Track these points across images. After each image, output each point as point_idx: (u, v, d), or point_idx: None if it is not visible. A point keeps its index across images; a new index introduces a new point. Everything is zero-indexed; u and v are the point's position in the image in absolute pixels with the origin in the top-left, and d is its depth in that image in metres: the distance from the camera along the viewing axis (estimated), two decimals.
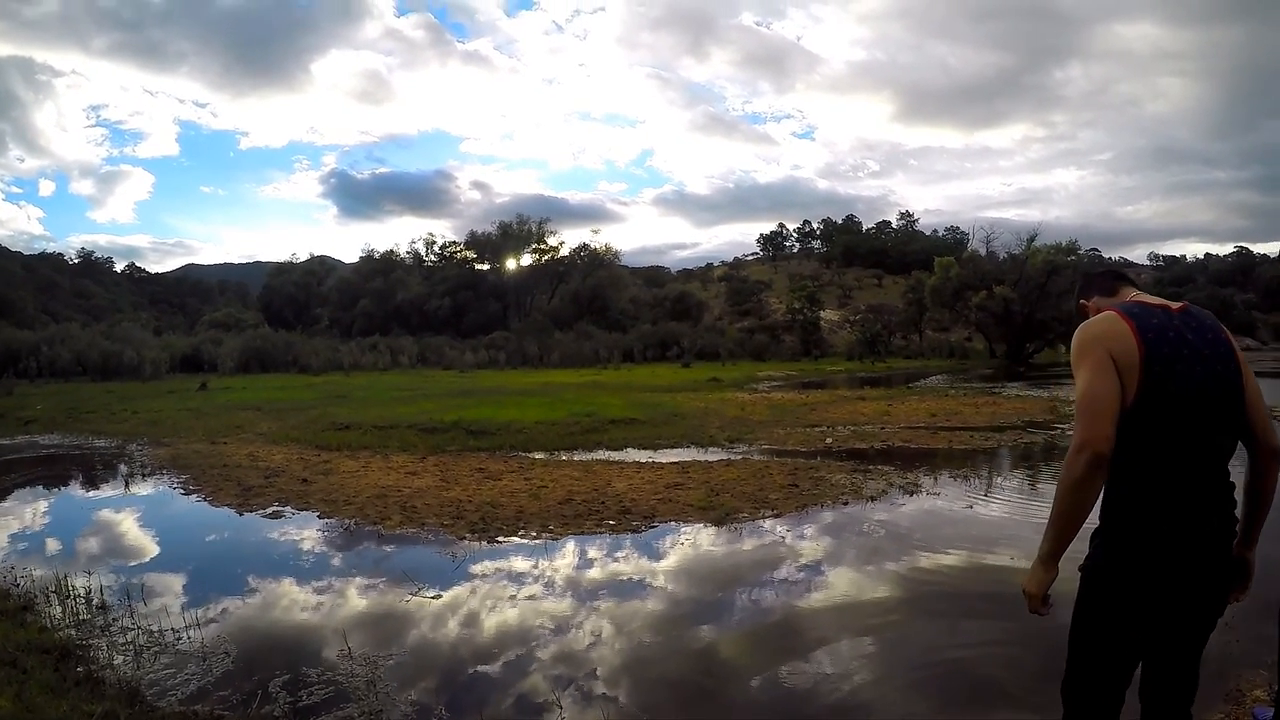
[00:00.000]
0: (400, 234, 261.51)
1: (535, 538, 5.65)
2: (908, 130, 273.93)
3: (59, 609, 4.13)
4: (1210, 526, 1.68)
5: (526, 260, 57.46)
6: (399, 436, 10.80)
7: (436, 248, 59.93)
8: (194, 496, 7.35)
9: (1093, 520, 1.73)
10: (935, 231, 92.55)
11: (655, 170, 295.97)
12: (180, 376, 26.16)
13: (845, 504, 6.65)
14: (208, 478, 8.14)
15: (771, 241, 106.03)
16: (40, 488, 8.19)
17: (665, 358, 39.50)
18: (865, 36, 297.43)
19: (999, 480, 7.97)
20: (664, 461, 8.90)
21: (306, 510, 6.61)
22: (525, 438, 10.78)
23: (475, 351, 36.55)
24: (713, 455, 9.53)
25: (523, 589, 4.55)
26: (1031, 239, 45.74)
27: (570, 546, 5.46)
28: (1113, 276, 1.95)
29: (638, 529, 5.86)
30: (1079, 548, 1.73)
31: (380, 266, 55.74)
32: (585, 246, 57.65)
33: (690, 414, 13.98)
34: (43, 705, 2.84)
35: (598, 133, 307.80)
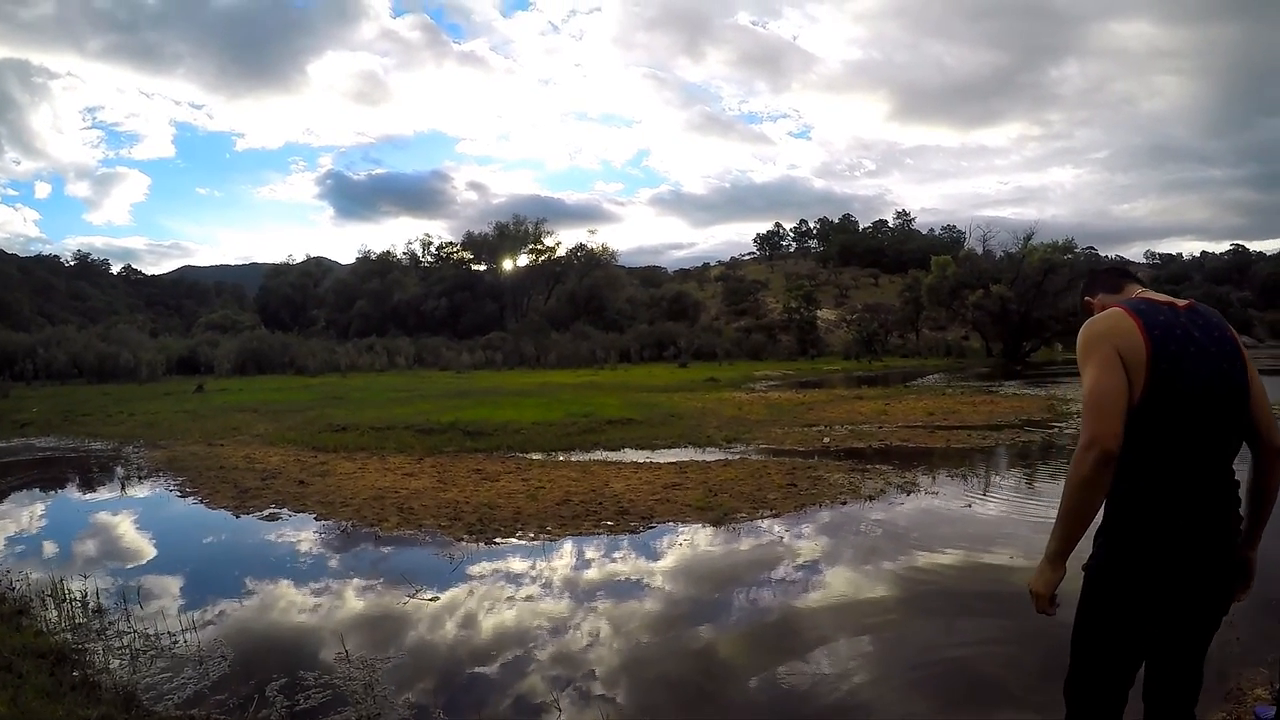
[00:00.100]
0: (397, 235, 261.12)
1: (533, 539, 5.63)
2: (904, 129, 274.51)
3: (55, 613, 4.11)
4: (1215, 525, 1.67)
5: (523, 261, 57.46)
6: (396, 438, 10.78)
7: (433, 248, 59.83)
8: (191, 499, 7.33)
9: (1095, 520, 1.72)
10: (932, 230, 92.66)
11: (651, 170, 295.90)
12: (177, 378, 26.06)
13: (843, 503, 6.65)
14: (204, 480, 8.12)
15: (768, 241, 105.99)
16: (36, 490, 8.16)
17: (662, 358, 39.44)
18: (861, 36, 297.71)
19: (997, 479, 7.98)
20: (662, 462, 8.89)
21: (303, 512, 6.59)
22: (522, 438, 10.76)
23: (472, 352, 36.47)
24: (710, 455, 9.53)
25: (520, 590, 4.54)
26: (1028, 238, 45.76)
27: (568, 547, 5.45)
28: (1118, 274, 1.95)
29: (636, 529, 5.85)
30: (1082, 547, 1.73)
31: (377, 267, 55.61)
32: (582, 247, 57.64)
33: (687, 414, 13.98)
34: (38, 710, 2.82)
35: (594, 133, 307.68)
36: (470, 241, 58.83)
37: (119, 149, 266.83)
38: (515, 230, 57.09)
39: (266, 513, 6.62)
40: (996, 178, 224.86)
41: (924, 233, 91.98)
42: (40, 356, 24.80)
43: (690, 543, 5.54)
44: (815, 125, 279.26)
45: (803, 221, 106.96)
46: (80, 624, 3.97)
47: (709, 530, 5.83)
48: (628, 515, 6.20)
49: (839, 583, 4.62)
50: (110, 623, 4.00)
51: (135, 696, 3.12)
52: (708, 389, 21.27)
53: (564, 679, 3.33)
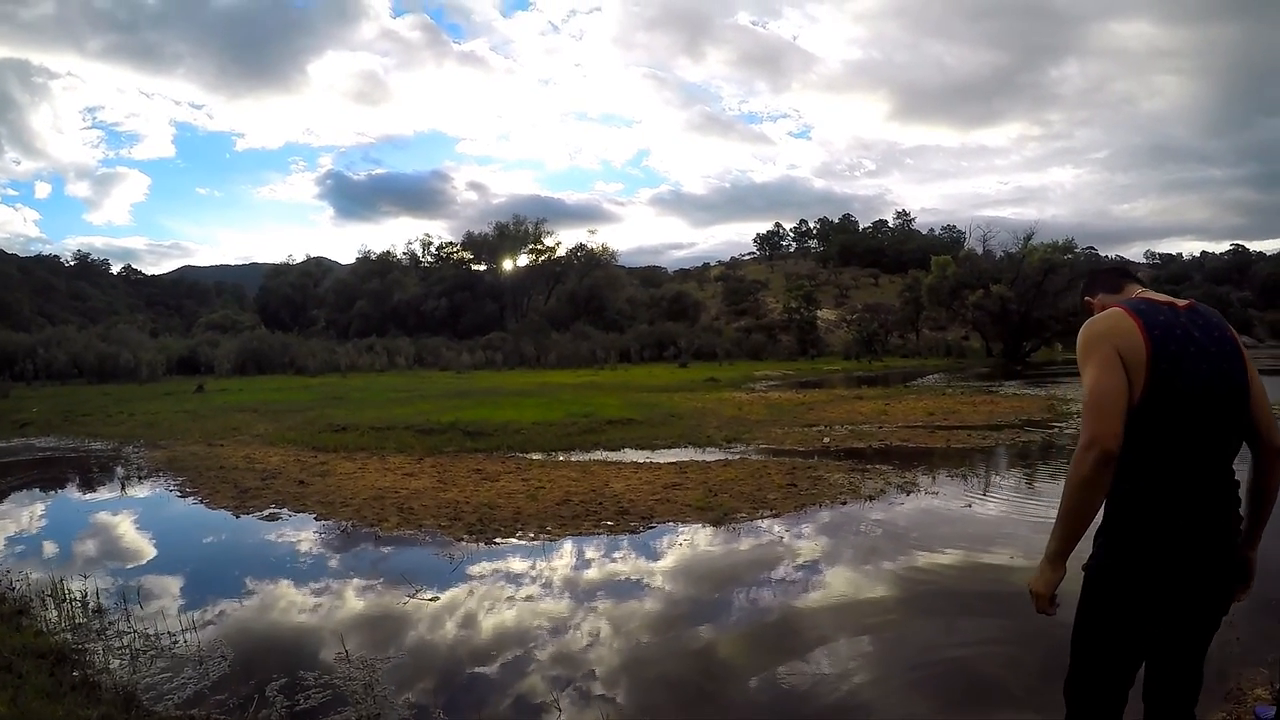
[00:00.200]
0: (397, 235, 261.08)
1: (533, 539, 5.63)
2: (904, 129, 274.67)
3: (55, 613, 4.11)
4: (1215, 525, 1.67)
5: (523, 261, 57.41)
6: (396, 438, 10.78)
7: (433, 249, 59.80)
8: (191, 499, 7.33)
9: (1096, 520, 1.72)
10: (932, 230, 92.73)
11: (651, 170, 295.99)
12: (177, 378, 26.06)
13: (843, 503, 6.65)
14: (204, 480, 8.12)
15: (768, 241, 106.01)
16: (37, 490, 8.16)
17: (662, 358, 39.44)
18: (861, 36, 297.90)
19: (997, 479, 7.98)
20: (662, 462, 8.89)
21: (304, 512, 6.59)
22: (522, 438, 10.76)
23: (472, 352, 36.46)
24: (710, 455, 9.53)
25: (520, 590, 4.54)
26: (1028, 237, 45.75)
27: (568, 547, 5.45)
28: (1119, 273, 1.95)
29: (636, 529, 5.85)
30: (1082, 547, 1.73)
31: (377, 268, 55.59)
32: (582, 247, 57.60)
33: (687, 414, 13.98)
34: (38, 710, 2.82)
35: (594, 133, 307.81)
36: (470, 241, 58.82)
37: (119, 149, 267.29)
38: (515, 230, 57.07)
39: (266, 513, 6.62)
40: (996, 178, 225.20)
41: (924, 233, 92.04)
42: (40, 357, 24.80)
43: (690, 543, 5.54)
44: (815, 125, 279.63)
45: (803, 221, 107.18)
46: (80, 624, 3.97)
47: (709, 530, 5.83)
48: (628, 515, 6.20)
49: (839, 583, 4.62)
50: (110, 623, 4.00)
51: (135, 696, 3.12)
52: (708, 389, 21.26)
53: (564, 679, 3.33)
